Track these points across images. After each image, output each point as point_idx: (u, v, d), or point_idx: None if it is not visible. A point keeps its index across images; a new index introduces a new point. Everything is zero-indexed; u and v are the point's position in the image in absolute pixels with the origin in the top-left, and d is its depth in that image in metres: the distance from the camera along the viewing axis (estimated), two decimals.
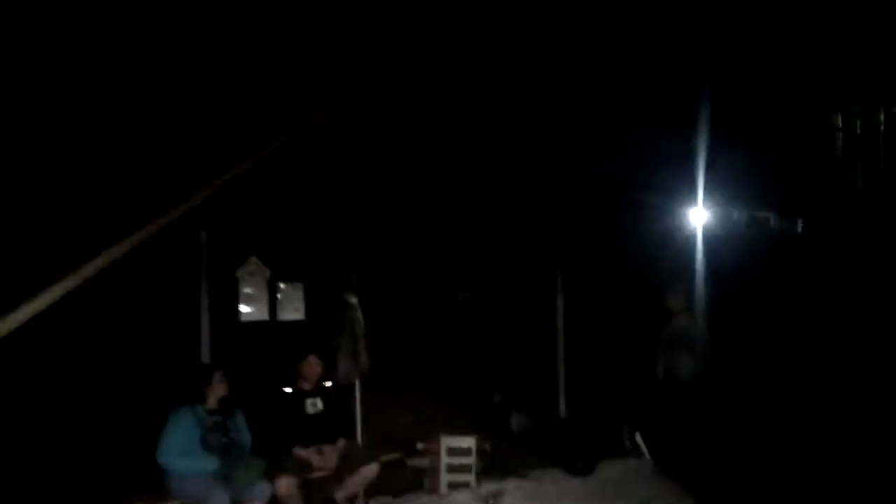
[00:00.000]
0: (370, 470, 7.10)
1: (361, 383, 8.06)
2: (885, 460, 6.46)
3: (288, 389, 7.33)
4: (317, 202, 7.71)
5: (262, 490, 6.43)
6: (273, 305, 7.84)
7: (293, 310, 7.93)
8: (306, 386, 7.38)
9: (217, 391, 6.64)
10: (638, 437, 8.41)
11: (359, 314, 7.93)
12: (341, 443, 7.20)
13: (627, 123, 7.17)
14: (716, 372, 7.66)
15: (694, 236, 7.76)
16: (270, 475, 6.53)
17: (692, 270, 7.77)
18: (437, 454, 7.76)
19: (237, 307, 7.59)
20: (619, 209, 7.88)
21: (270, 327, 7.74)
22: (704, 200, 7.58)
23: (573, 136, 7.49)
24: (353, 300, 7.96)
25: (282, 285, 7.93)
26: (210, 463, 6.34)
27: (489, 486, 7.65)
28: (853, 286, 7.67)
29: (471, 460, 7.73)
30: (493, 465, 7.95)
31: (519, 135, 7.41)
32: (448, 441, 7.76)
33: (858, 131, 8.19)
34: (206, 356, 7.17)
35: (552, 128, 7.43)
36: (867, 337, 7.40)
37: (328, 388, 7.46)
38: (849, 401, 7.09)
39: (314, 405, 7.29)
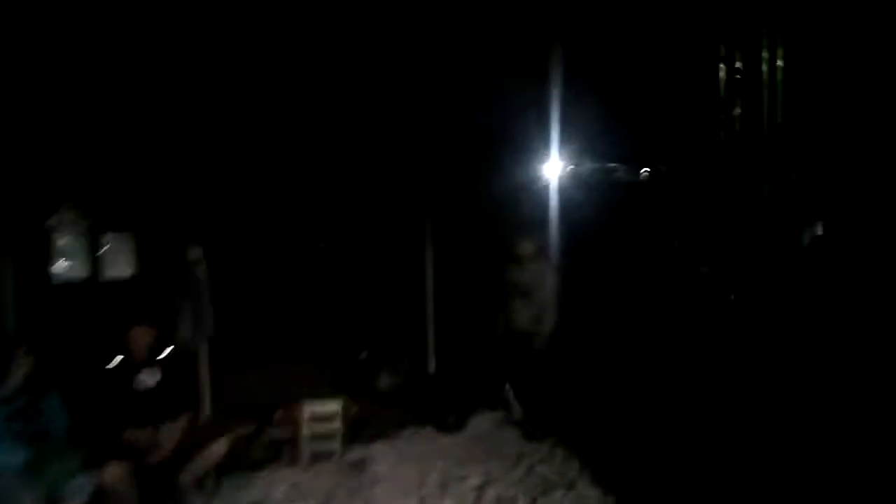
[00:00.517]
0: (219, 446, 6.09)
1: (209, 349, 6.94)
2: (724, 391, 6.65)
3: (115, 362, 6.14)
4: (149, 135, 6.46)
5: (82, 485, 5.30)
6: (95, 262, 6.55)
7: (121, 266, 6.68)
8: (137, 357, 6.22)
9: (20, 369, 5.40)
10: (508, 390, 7.80)
11: (202, 269, 6.79)
12: (184, 419, 6.13)
13: (489, 75, 7.10)
14: (566, 322, 7.42)
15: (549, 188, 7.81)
16: (95, 465, 5.40)
17: (545, 220, 7.73)
18: (297, 423, 6.84)
19: (49, 265, 6.26)
20: (481, 161, 7.78)
21: (92, 288, 6.48)
22: (560, 153, 7.69)
23: (434, 86, 7.31)
24: (196, 254, 6.81)
25: (106, 237, 6.64)
26: (13, 456, 5.16)
27: (355, 453, 6.81)
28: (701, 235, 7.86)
29: (336, 426, 6.89)
30: (361, 430, 7.12)
31: (383, 83, 7.18)
32: (310, 407, 6.87)
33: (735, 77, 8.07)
34: (10, 325, 5.86)
35: (413, 78, 7.23)
36: (716, 285, 7.56)
37: (164, 357, 6.32)
38: (690, 345, 7.28)
39: (148, 378, 6.16)
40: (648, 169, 8.24)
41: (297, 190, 7.63)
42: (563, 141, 7.53)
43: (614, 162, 8.19)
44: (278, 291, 7.75)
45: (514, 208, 7.93)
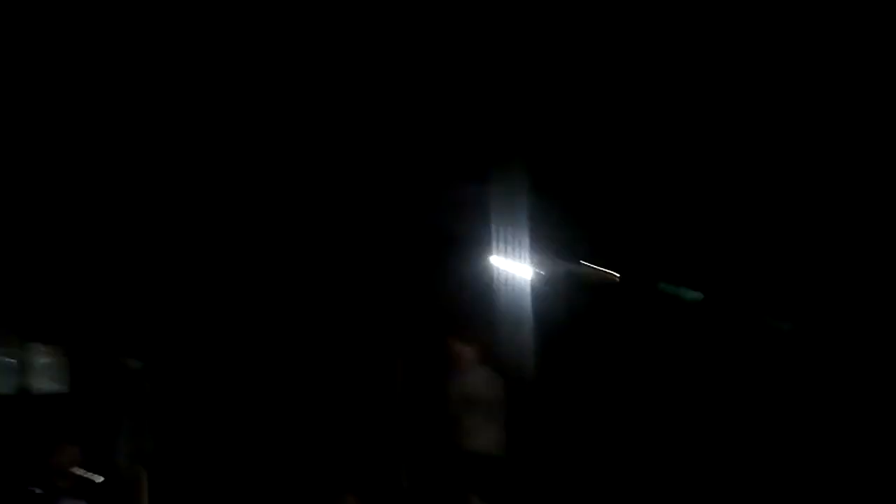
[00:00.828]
0: None
1: (150, 477, 6.07)
2: None
3: (38, 489, 5.29)
4: (85, 238, 5.86)
5: None
6: (24, 375, 5.80)
7: (49, 379, 5.92)
8: (61, 483, 5.36)
9: None
10: None
11: (145, 385, 6.00)
12: None
13: (433, 173, 6.96)
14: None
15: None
16: None
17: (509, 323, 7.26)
18: None
19: None
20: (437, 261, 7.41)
21: (20, 404, 5.69)
22: (530, 250, 7.38)
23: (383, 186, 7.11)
24: (136, 365, 6.06)
25: (35, 348, 5.92)
26: None
27: None
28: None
29: None
30: None
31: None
32: None
33: None
34: None
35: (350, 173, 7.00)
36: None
37: (96, 483, 5.47)
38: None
39: None
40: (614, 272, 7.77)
41: (249, 294, 6.95)
42: (532, 238, 7.17)
43: (584, 259, 7.68)
44: (236, 411, 6.92)
45: (469, 309, 7.28)
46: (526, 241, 7.15)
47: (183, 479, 6.46)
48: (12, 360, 5.79)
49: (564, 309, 7.51)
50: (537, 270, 7.35)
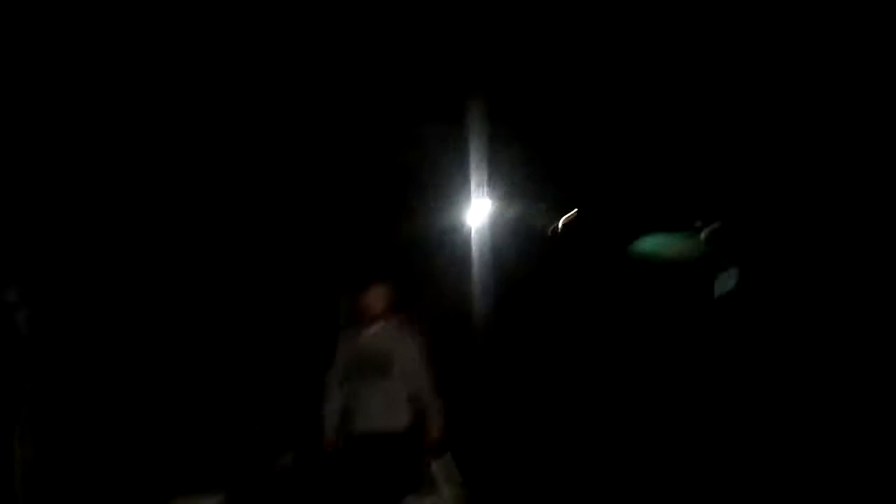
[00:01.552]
0: None
1: (30, 423, 4.94)
2: None
3: None
4: None
5: None
6: None
7: None
8: None
9: None
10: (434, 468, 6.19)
11: (21, 318, 4.77)
12: None
13: (407, 112, 6.92)
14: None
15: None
16: None
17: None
18: None
19: None
20: (394, 202, 7.32)
21: None
22: (484, 194, 7.37)
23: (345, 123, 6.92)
24: (11, 297, 4.79)
25: None
26: None
27: None
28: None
29: None
30: None
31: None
32: None
33: None
34: None
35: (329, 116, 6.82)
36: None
37: None
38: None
39: None
40: (574, 211, 7.96)
41: (170, 211, 5.79)
42: (488, 183, 7.16)
43: (542, 203, 7.83)
44: (137, 341, 5.75)
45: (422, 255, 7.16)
46: (489, 183, 7.12)
47: (67, 457, 5.30)
48: None
49: (523, 251, 7.52)
50: (499, 214, 7.36)
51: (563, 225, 7.90)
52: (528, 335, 7.39)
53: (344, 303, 5.52)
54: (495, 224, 7.39)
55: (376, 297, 4.84)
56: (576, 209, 7.88)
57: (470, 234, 7.18)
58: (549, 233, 7.92)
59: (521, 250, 7.45)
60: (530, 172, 7.36)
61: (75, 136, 5.92)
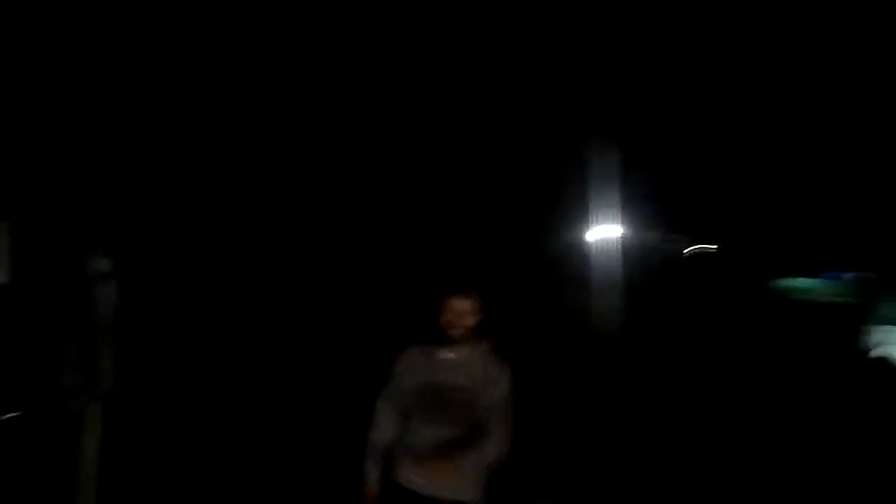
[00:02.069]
0: None
1: (104, 410, 4.45)
2: None
3: None
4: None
5: None
6: None
7: None
8: None
9: None
10: None
11: (109, 290, 4.35)
12: None
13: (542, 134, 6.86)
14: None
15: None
16: None
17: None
18: None
19: None
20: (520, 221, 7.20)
21: None
22: (615, 219, 7.25)
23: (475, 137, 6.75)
24: (103, 266, 4.37)
25: None
26: None
27: None
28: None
29: None
30: None
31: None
32: None
33: None
34: None
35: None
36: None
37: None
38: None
39: None
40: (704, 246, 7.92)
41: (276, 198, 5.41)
42: (619, 207, 7.08)
43: (674, 232, 7.80)
44: (233, 333, 5.27)
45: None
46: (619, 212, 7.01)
47: (148, 421, 4.85)
48: None
49: (652, 279, 7.41)
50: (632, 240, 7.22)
51: (694, 254, 8.00)
52: (651, 365, 6.98)
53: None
54: (625, 249, 7.19)
55: (465, 311, 3.54)
56: (712, 245, 7.77)
57: (595, 257, 6.96)
58: (681, 258, 7.77)
59: (651, 278, 7.23)
60: (668, 203, 7.31)
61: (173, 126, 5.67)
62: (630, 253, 7.46)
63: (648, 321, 7.33)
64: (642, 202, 7.05)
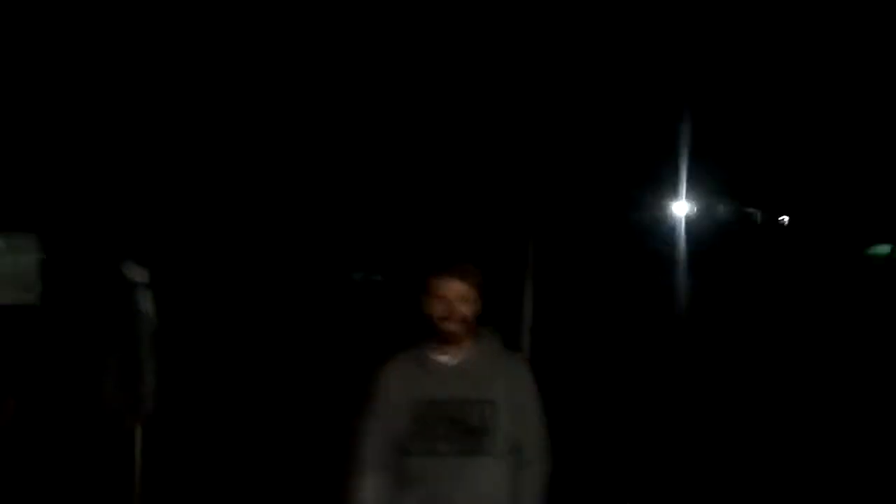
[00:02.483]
0: None
1: (145, 429, 4.30)
2: None
3: None
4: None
5: None
6: None
7: (14, 287, 4.05)
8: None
9: None
10: None
11: (147, 303, 4.18)
12: None
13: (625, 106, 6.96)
14: None
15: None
16: None
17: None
18: None
19: None
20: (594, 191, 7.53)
21: None
22: (693, 191, 7.57)
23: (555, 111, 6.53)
24: (140, 277, 4.21)
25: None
26: None
27: None
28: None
29: None
30: None
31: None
32: None
33: None
34: None
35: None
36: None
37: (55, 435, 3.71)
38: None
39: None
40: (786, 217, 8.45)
41: (317, 189, 5.25)
42: (697, 179, 7.25)
43: (751, 205, 8.38)
44: (274, 343, 5.12)
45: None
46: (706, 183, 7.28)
47: (189, 437, 4.68)
48: None
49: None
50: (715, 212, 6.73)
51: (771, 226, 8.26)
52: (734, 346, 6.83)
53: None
54: (702, 222, 7.60)
55: (461, 296, 2.49)
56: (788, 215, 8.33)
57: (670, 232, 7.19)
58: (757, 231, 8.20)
59: (725, 252, 7.52)
60: (741, 176, 7.62)
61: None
62: (704, 227, 7.68)
63: (729, 295, 7.29)
64: (716, 176, 7.30)
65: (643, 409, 6.14)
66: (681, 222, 7.35)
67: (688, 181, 6.95)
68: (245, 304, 5.53)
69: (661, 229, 7.71)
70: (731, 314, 7.16)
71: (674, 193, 7.26)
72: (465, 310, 2.49)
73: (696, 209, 7.75)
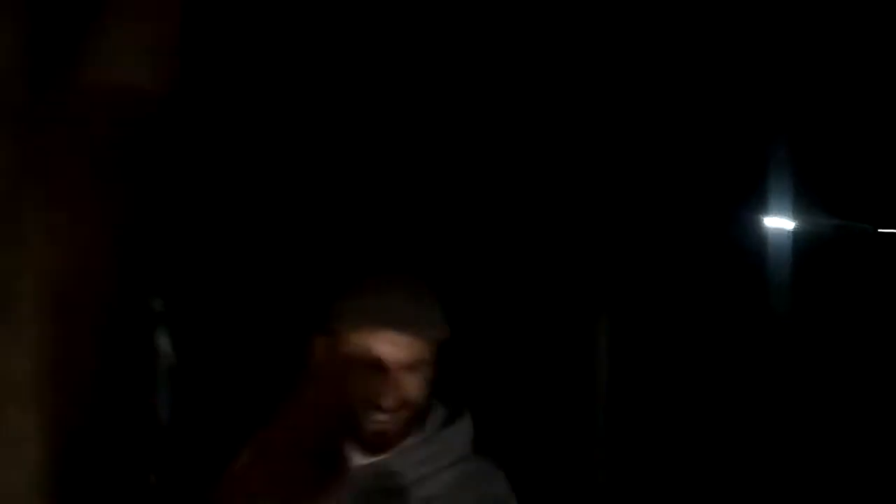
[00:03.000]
0: None
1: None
2: None
3: None
4: None
5: None
6: None
7: None
8: None
9: None
10: None
11: (164, 343, 4.47)
12: None
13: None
14: None
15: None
16: None
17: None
18: None
19: None
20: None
21: None
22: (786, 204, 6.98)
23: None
24: (156, 306, 4.52)
25: None
26: None
27: None
28: None
29: None
30: None
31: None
32: None
33: None
34: None
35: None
36: None
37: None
38: None
39: None
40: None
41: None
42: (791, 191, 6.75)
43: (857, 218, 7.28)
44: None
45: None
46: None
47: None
48: None
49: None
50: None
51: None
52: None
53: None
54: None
55: (410, 361, 1.20)
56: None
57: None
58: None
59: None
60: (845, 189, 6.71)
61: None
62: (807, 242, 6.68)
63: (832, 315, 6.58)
64: (818, 189, 6.48)
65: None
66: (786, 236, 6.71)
67: (790, 194, 6.55)
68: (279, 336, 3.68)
69: (761, 245, 6.73)
70: (841, 334, 6.71)
71: (777, 207, 6.79)
72: (414, 389, 1.22)
73: (800, 223, 6.92)
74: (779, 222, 6.73)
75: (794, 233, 6.74)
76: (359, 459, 1.23)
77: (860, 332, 6.67)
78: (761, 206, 6.64)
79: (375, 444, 1.22)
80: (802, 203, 6.62)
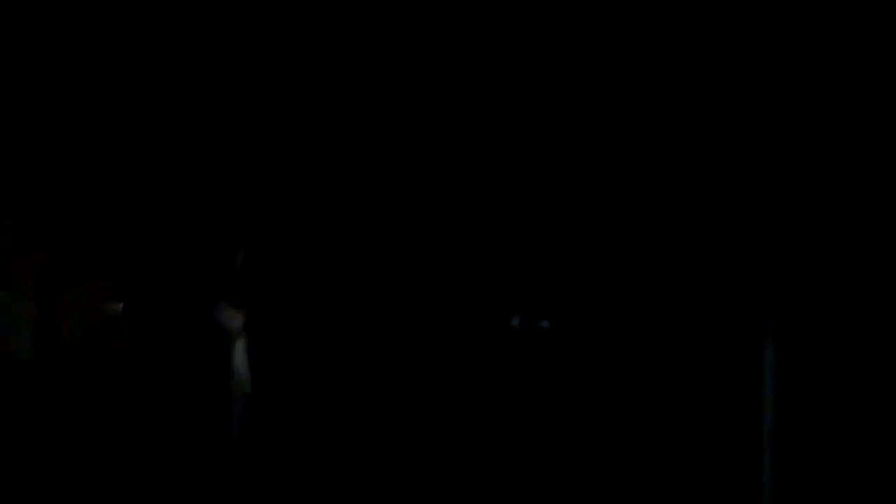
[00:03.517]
0: None
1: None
2: None
3: None
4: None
5: None
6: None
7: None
8: None
9: None
10: None
11: (239, 354, 3.66)
12: None
13: None
14: None
15: None
16: None
17: None
18: None
19: None
20: None
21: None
22: None
23: None
24: (234, 321, 3.62)
25: None
26: None
27: None
28: None
29: None
30: None
31: None
32: None
33: None
34: None
35: None
36: None
37: None
38: None
39: None
40: None
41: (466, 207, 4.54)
42: None
43: None
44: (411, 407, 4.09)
45: None
46: None
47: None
48: None
49: None
50: None
51: None
52: None
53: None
54: None
55: None
56: None
57: None
58: None
59: None
60: None
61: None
62: None
63: None
64: None
65: None
66: None
67: None
68: (371, 356, 3.84)
69: None
70: None
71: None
72: None
73: None
74: None
75: None
76: None
77: None
78: None
79: None
80: None
